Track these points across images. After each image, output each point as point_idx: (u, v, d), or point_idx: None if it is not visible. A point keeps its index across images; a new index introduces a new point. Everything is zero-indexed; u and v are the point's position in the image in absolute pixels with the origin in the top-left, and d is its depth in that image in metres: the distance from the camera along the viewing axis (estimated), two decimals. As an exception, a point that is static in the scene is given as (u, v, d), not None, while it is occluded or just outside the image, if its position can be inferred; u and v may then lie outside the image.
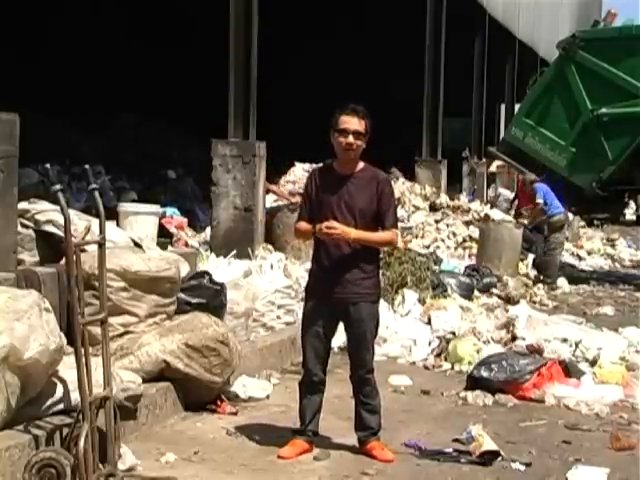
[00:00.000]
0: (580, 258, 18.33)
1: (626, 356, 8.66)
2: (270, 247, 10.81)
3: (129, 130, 23.72)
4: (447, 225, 16.73)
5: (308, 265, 6.34)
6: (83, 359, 4.92)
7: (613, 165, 14.93)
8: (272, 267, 9.46)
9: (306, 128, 19.29)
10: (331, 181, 5.80)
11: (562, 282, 14.61)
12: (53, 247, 6.81)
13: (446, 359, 8.84)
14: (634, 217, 27.76)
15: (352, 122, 5.69)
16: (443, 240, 15.99)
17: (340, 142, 5.71)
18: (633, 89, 14.75)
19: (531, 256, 15.70)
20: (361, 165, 5.83)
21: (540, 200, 14.56)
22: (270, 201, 12.81)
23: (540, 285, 13.74)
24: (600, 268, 17.74)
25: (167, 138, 23.29)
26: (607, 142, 14.88)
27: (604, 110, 14.82)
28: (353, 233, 5.67)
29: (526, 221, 15.72)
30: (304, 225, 5.88)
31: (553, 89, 15.70)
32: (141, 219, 8.75)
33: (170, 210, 12.40)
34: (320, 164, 6.11)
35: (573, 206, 16.57)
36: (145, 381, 6.16)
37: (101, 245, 5.22)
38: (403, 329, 9.56)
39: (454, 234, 16.37)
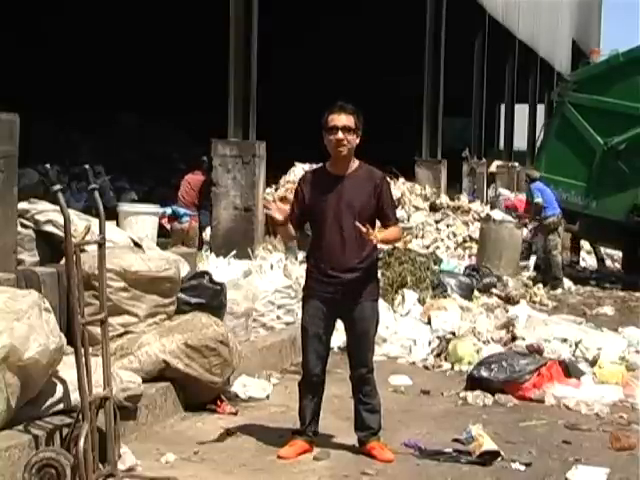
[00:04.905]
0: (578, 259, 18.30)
1: (626, 356, 8.65)
2: (270, 247, 10.81)
3: (130, 130, 23.75)
4: (447, 225, 16.73)
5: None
6: (83, 359, 4.92)
7: None
8: (272, 267, 9.46)
9: (306, 128, 19.27)
10: (326, 182, 5.74)
11: (566, 282, 14.64)
12: (53, 247, 6.81)
13: (446, 359, 8.83)
14: None
15: (340, 119, 5.65)
16: (443, 240, 16.00)
17: (330, 140, 5.67)
18: (637, 111, 14.78)
19: (532, 258, 15.68)
20: (356, 163, 5.79)
21: (539, 200, 14.53)
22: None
23: (540, 285, 13.73)
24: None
25: (167, 138, 23.32)
26: (630, 168, 14.85)
27: (617, 139, 14.85)
28: (380, 236, 5.64)
29: (527, 221, 15.71)
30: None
31: (561, 137, 15.66)
32: (141, 219, 8.77)
33: (170, 210, 12.41)
34: (320, 164, 6.06)
35: (618, 246, 16.53)
36: (145, 381, 6.15)
37: (101, 245, 5.22)
38: (403, 329, 9.56)
39: (454, 234, 16.38)
